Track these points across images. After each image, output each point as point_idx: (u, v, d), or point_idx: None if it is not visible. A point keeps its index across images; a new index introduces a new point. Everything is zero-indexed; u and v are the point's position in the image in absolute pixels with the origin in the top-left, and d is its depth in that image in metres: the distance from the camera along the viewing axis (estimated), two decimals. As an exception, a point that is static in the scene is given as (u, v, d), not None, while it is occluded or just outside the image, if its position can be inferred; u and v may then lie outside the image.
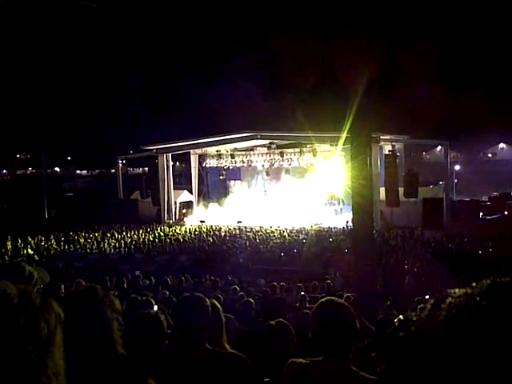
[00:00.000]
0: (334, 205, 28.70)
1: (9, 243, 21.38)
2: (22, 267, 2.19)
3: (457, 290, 0.67)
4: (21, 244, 21.62)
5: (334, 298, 2.26)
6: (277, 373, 2.36)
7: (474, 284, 0.67)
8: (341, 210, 27.93)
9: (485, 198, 32.62)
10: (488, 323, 0.60)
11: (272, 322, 3.06)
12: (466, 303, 0.63)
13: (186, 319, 2.28)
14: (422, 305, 7.98)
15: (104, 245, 22.95)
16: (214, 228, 26.37)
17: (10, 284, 0.89)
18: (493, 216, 25.89)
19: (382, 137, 25.29)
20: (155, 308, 5.47)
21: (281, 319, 3.15)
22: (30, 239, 22.66)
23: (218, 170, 33.36)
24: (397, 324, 2.21)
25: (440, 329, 0.63)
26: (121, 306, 1.79)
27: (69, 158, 75.42)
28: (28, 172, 71.27)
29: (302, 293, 9.50)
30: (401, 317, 2.39)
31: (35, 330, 0.81)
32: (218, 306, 2.60)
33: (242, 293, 9.35)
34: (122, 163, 36.44)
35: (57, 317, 0.86)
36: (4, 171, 72.08)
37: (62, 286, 5.57)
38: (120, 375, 1.61)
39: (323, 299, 2.19)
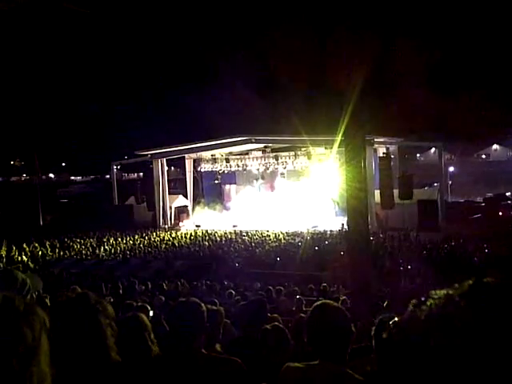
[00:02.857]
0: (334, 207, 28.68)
1: (3, 250, 21.26)
2: (15, 275, 2.17)
3: (438, 291, 0.67)
4: (15, 251, 21.49)
5: (329, 301, 2.25)
6: (273, 377, 2.35)
7: (456, 285, 0.67)
8: (336, 213, 27.95)
9: (479, 199, 32.75)
10: (466, 324, 0.60)
11: (268, 327, 3.05)
12: (445, 304, 0.63)
13: (182, 324, 2.27)
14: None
15: (99, 251, 22.86)
16: (209, 232, 26.34)
17: None
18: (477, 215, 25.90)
19: (376, 139, 25.37)
20: (151, 314, 5.45)
21: (276, 323, 3.15)
22: (24, 246, 22.54)
23: (213, 174, 33.35)
24: (392, 326, 2.20)
25: (419, 329, 0.63)
26: (114, 312, 1.78)
27: (63, 164, 75.19)
28: (22, 178, 71.00)
29: (298, 296, 9.48)
30: (396, 319, 2.38)
31: (19, 336, 0.79)
32: (222, 311, 2.58)
33: (237, 297, 9.33)
34: (116, 168, 36.35)
35: (41, 323, 0.84)
36: (-2, 178, 71.79)
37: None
38: (115, 382, 1.59)
39: (318, 303, 2.18)
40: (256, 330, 3.06)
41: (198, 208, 32.86)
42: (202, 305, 2.38)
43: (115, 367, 1.60)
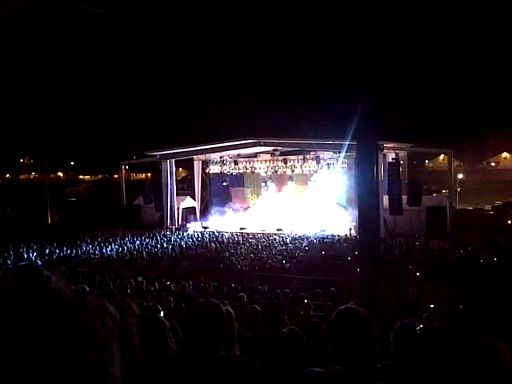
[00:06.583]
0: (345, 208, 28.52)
1: (12, 248, 21.36)
2: (40, 270, 2.17)
3: None
4: (23, 248, 21.60)
5: (353, 306, 2.22)
6: (290, 381, 2.34)
7: None
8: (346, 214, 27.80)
9: (488, 207, 32.58)
10: None
11: (285, 330, 3.04)
12: None
13: (201, 326, 2.25)
14: (427, 313, 7.95)
15: (107, 250, 22.93)
16: (216, 234, 26.34)
17: (63, 285, 0.84)
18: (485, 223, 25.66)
19: (385, 144, 25.29)
20: (161, 314, 5.47)
21: (293, 327, 3.13)
22: (32, 244, 22.64)
23: (221, 176, 33.37)
24: (419, 332, 2.20)
25: None
26: (138, 310, 1.77)
27: (72, 163, 75.44)
28: (31, 176, 71.44)
29: (306, 300, 9.45)
30: (421, 326, 2.37)
31: (94, 333, 0.75)
32: (233, 313, 2.57)
33: (246, 299, 9.31)
34: (125, 168, 36.45)
35: (113, 319, 0.80)
36: (7, 175, 72.22)
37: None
38: (142, 381, 1.59)
39: (343, 307, 2.13)
40: (272, 332, 3.05)
41: (205, 209, 32.88)
42: (222, 306, 2.36)
43: (142, 366, 1.59)
